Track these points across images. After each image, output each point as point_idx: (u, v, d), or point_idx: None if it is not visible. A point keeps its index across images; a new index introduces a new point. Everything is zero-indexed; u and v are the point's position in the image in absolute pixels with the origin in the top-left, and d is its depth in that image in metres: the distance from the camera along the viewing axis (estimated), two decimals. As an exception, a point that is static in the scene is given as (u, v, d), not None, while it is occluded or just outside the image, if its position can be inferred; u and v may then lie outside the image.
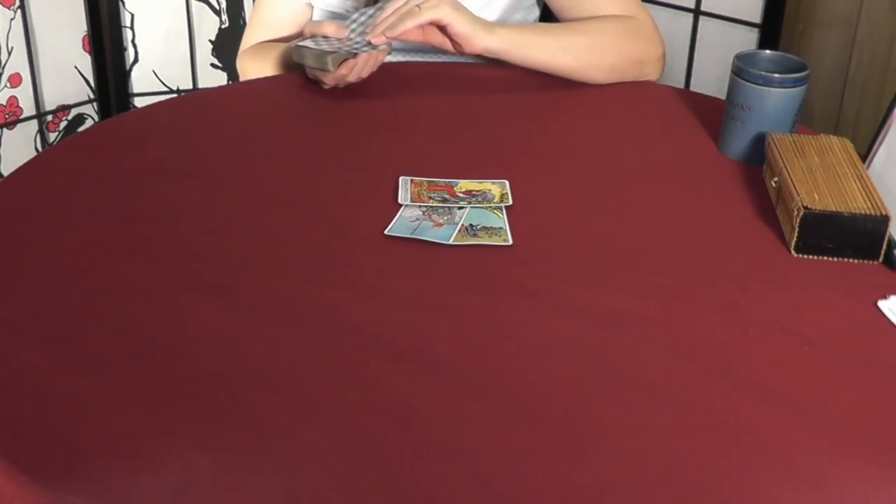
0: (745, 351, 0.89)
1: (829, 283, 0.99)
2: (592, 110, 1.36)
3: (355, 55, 1.31)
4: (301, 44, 1.32)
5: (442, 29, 1.33)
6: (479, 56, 1.45)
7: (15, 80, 2.14)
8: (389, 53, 1.40)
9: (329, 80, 1.35)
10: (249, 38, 1.57)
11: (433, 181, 1.15)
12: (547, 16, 1.59)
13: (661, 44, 1.45)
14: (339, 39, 1.34)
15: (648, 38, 1.42)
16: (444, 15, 1.30)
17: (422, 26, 1.32)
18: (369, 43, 1.32)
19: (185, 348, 0.88)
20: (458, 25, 1.31)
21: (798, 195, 1.03)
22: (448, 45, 1.35)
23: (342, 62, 1.30)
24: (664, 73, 1.47)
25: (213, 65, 2.31)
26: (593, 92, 1.40)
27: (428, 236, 1.04)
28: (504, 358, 0.88)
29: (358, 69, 1.34)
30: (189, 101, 1.38)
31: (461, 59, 1.54)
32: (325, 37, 1.35)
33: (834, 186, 1.05)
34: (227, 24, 2.29)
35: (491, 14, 1.49)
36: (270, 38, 1.55)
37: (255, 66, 1.52)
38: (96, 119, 2.32)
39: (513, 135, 1.29)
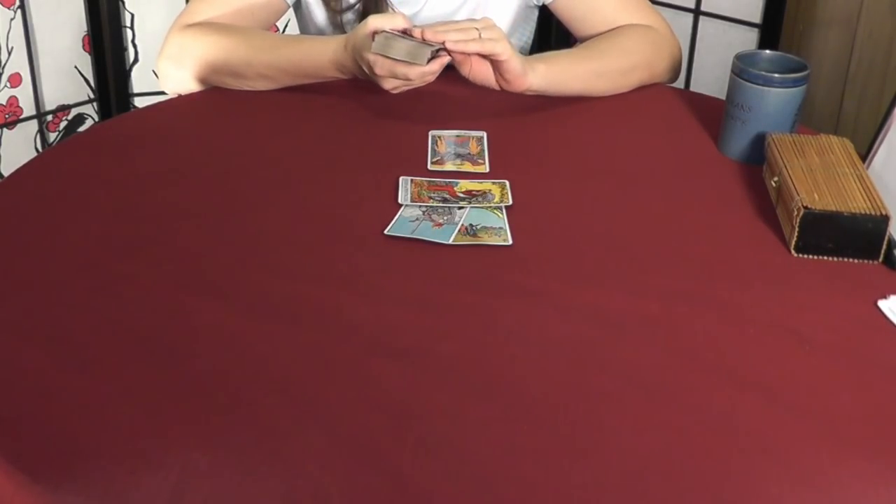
0: (745, 351, 0.89)
1: (829, 283, 0.99)
2: (592, 110, 1.35)
3: (439, 52, 1.23)
4: (388, 33, 1.21)
5: (494, 64, 1.25)
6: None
7: (15, 80, 2.14)
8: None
9: (414, 75, 1.23)
10: (201, 11, 1.38)
11: (433, 181, 1.15)
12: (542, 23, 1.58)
13: (678, 44, 1.45)
14: (411, 35, 1.23)
15: (669, 45, 1.43)
16: (504, 51, 1.22)
17: (468, 54, 1.24)
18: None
19: (185, 348, 0.88)
20: (514, 63, 1.24)
21: (798, 195, 1.03)
22: (492, 80, 1.28)
23: (432, 58, 1.23)
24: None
25: (213, 65, 2.31)
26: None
27: (428, 236, 1.04)
28: (504, 358, 0.88)
29: (438, 68, 1.25)
30: (189, 102, 1.38)
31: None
32: (400, 32, 1.23)
33: (834, 186, 1.05)
34: (227, 25, 2.28)
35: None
36: (230, 21, 1.38)
37: (201, 44, 1.34)
38: (96, 119, 2.32)
39: (513, 135, 1.29)
